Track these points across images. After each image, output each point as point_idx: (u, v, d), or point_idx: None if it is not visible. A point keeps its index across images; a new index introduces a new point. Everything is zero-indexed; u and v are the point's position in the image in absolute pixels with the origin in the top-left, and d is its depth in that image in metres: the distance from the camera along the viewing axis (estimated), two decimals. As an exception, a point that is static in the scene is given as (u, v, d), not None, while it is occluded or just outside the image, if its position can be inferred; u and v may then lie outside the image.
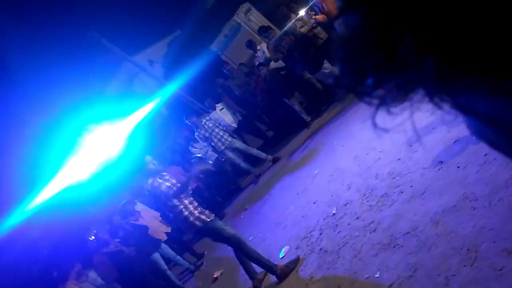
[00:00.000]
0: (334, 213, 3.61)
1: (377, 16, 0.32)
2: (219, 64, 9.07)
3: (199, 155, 7.73)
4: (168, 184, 3.69)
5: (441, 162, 2.81)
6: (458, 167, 2.62)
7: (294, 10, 7.00)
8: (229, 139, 6.95)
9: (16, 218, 6.10)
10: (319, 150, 5.50)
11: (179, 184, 3.77)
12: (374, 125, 0.36)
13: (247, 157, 7.23)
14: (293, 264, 3.47)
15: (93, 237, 6.10)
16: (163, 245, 5.98)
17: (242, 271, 3.86)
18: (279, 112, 7.68)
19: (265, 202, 5.70)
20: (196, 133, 7.00)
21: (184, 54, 9.06)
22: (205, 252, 6.33)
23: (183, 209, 3.64)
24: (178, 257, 6.19)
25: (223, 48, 9.94)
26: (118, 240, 5.60)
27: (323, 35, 6.61)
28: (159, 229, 5.99)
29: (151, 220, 6.01)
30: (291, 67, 7.05)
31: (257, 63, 7.84)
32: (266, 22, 8.97)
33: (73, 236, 6.32)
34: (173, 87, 8.63)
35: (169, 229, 6.06)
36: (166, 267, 5.84)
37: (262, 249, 3.99)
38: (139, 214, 5.96)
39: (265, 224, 4.93)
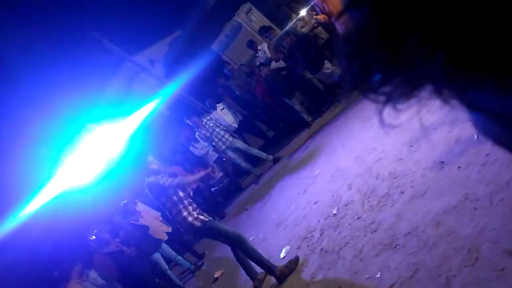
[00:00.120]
0: (335, 214, 3.61)
1: (384, 12, 0.32)
2: (220, 64, 9.07)
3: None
4: (169, 180, 3.71)
5: (442, 162, 2.81)
6: (459, 167, 2.61)
7: (295, 10, 7.01)
8: (230, 139, 6.95)
9: (17, 218, 6.11)
10: (320, 150, 5.50)
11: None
12: (381, 121, 0.36)
13: (248, 157, 7.23)
14: (293, 265, 3.46)
15: (93, 237, 6.08)
16: (164, 245, 5.97)
17: (243, 271, 3.86)
18: (280, 112, 7.68)
19: (265, 202, 5.69)
20: (197, 133, 7.00)
21: (185, 54, 9.07)
22: (206, 252, 6.32)
23: (183, 209, 3.65)
24: (179, 257, 6.19)
25: (224, 48, 9.95)
26: (118, 240, 5.59)
27: (324, 35, 6.62)
28: (160, 229, 5.98)
29: (152, 220, 6.00)
30: (292, 67, 7.05)
31: (258, 63, 7.84)
32: (267, 22, 8.98)
33: (74, 236, 6.31)
34: (174, 87, 8.64)
35: (169, 229, 6.05)
36: (167, 267, 5.85)
37: (263, 249, 3.98)
38: (139, 214, 5.95)
39: (265, 224, 4.93)
